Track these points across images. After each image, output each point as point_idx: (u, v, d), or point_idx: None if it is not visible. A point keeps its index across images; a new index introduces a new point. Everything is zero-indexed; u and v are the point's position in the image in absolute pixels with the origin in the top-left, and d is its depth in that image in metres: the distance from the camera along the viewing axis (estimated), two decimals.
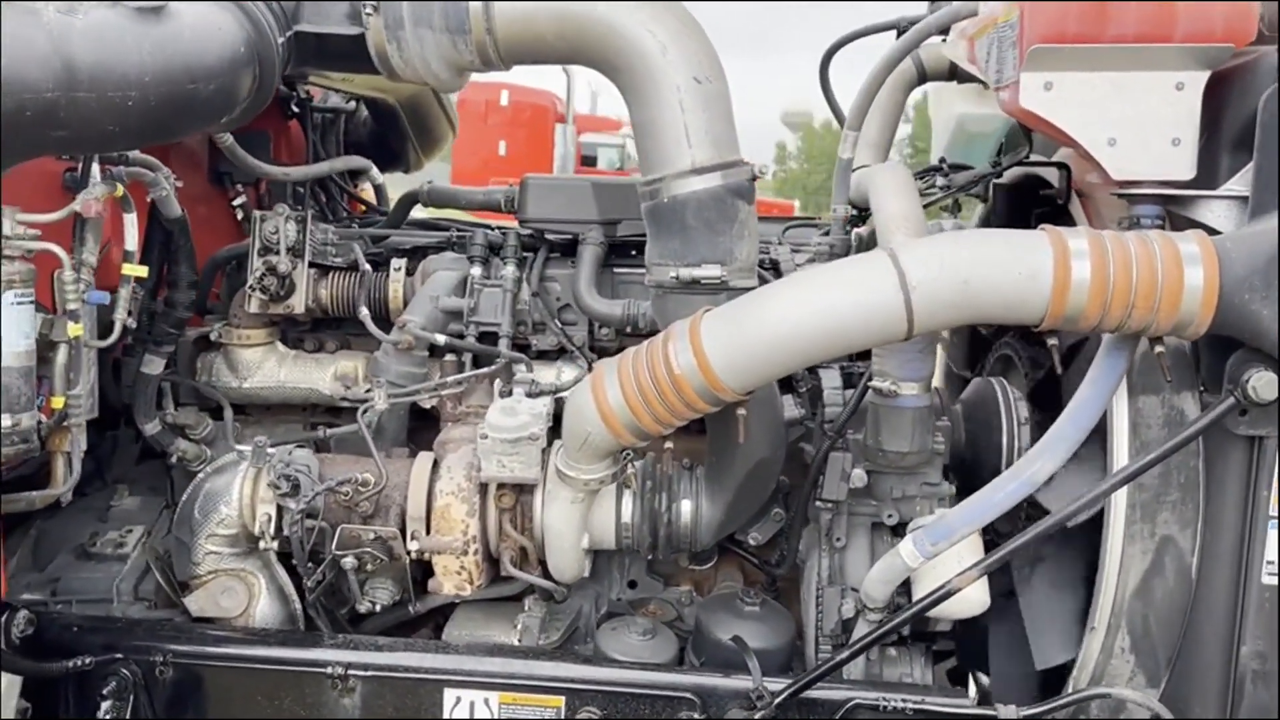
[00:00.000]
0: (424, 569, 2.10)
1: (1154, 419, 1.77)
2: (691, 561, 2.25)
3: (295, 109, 2.85)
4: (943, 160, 2.61)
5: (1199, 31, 1.60)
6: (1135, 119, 1.65)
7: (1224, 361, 1.65)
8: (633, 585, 2.27)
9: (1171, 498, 1.75)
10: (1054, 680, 2.00)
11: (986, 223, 2.55)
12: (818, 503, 2.01)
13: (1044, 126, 1.70)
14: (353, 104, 3.05)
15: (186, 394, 2.33)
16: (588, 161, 18.67)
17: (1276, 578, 1.69)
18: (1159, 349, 1.63)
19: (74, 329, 1.78)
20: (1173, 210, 1.71)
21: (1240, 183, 1.65)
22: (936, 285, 1.56)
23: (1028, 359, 2.35)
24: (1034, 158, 2.25)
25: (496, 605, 2.18)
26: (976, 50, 1.92)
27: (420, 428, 2.28)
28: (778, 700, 1.82)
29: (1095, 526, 1.82)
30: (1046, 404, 2.24)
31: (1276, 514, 1.68)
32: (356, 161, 2.71)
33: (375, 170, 2.81)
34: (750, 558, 2.21)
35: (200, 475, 2.11)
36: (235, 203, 2.70)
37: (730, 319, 1.67)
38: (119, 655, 1.92)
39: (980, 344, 2.68)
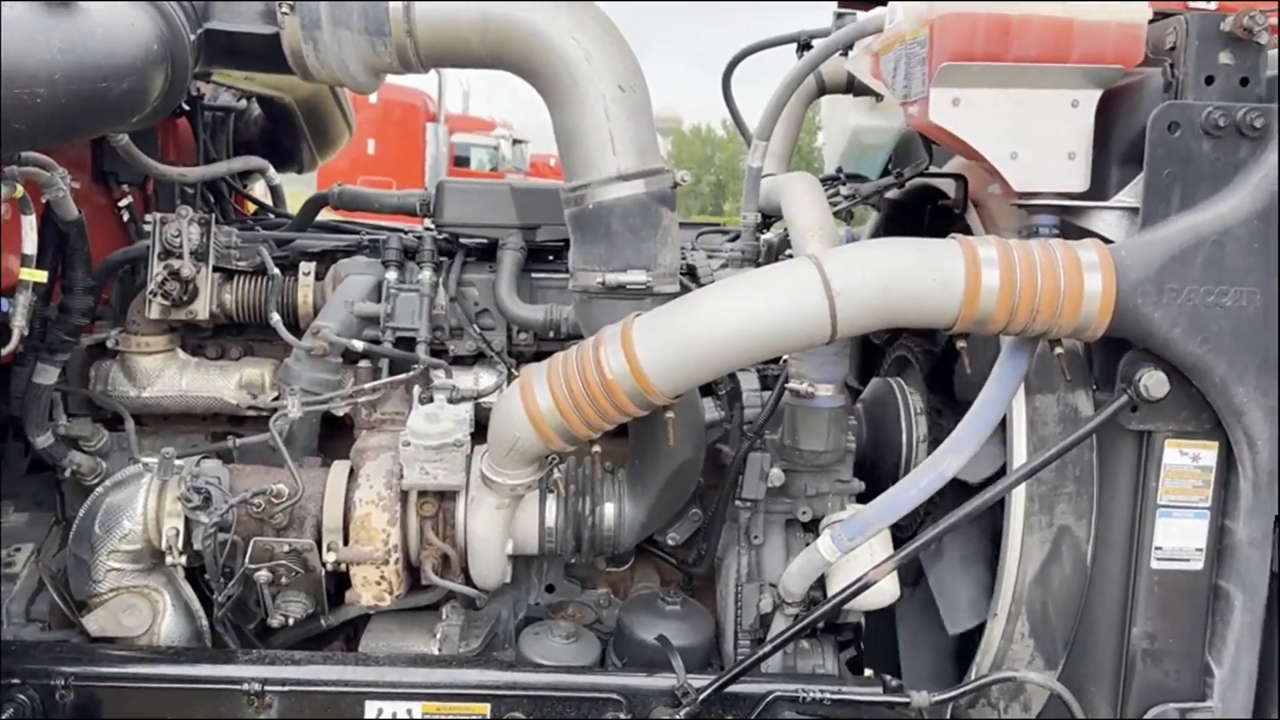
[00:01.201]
0: (338, 580, 2.06)
1: (1050, 416, 1.88)
2: (609, 564, 2.27)
3: (185, 106, 2.74)
4: (839, 170, 2.71)
5: (1093, 53, 1.72)
6: (1035, 134, 1.75)
7: (1116, 362, 1.78)
8: (550, 589, 2.28)
9: (1068, 490, 1.87)
10: (961, 663, 2.10)
11: (879, 232, 2.67)
12: (737, 502, 2.06)
13: (950, 140, 1.79)
14: (244, 102, 2.96)
15: (78, 405, 2.21)
16: (460, 162, 18.46)
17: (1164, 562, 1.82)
18: (1058, 350, 1.74)
19: None
20: (1067, 220, 1.82)
21: (1130, 194, 1.77)
22: (859, 291, 1.63)
23: (921, 353, 2.47)
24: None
25: (413, 615, 2.15)
26: (882, 65, 2.00)
27: (329, 436, 2.23)
28: (702, 697, 1.86)
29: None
30: (939, 387, 2.37)
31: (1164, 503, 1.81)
32: (255, 161, 2.62)
33: (273, 171, 2.73)
34: (668, 558, 2.25)
35: (100, 489, 2.02)
36: (121, 204, 2.58)
37: (661, 323, 1.70)
38: (15, 680, 1.82)
39: (870, 355, 2.80)
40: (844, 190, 2.39)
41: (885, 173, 2.78)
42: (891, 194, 2.59)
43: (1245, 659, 1.82)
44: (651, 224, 1.85)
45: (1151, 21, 1.76)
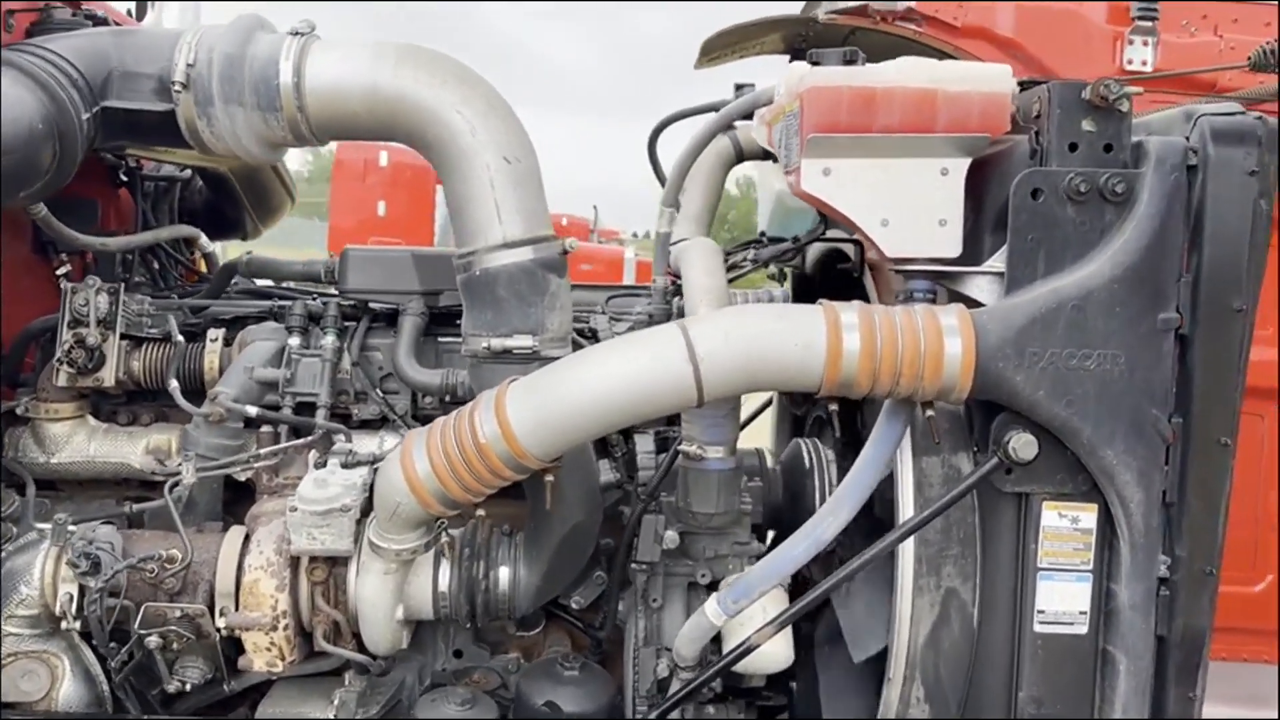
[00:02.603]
0: (238, 646, 2.06)
1: (935, 477, 1.88)
2: (518, 628, 2.27)
3: (124, 177, 2.82)
4: (762, 234, 2.75)
5: (957, 122, 1.75)
6: (905, 202, 1.78)
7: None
8: (459, 655, 2.28)
9: (953, 552, 1.87)
10: None
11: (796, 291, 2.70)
12: (633, 564, 2.07)
13: (824, 208, 1.83)
14: (187, 172, 3.03)
15: None
16: None
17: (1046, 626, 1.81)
18: (929, 413, 1.75)
19: None
20: (945, 285, 1.85)
21: (1000, 260, 1.79)
22: (722, 356, 1.65)
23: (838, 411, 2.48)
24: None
25: (315, 680, 2.15)
26: (774, 135, 2.05)
27: (236, 501, 2.25)
28: None
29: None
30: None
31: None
32: (184, 230, 2.68)
33: (205, 239, 2.78)
34: (574, 621, 2.24)
35: (1, 554, 2.04)
36: (59, 272, 2.64)
37: (533, 388, 1.72)
38: None
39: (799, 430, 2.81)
40: (750, 254, 2.42)
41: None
42: (811, 256, 2.64)
43: None
44: (538, 290, 1.89)
45: (1026, 89, 1.80)
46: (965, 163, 1.79)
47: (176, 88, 1.85)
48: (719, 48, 3.07)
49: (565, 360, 1.75)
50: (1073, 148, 1.74)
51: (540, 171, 1.96)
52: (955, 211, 1.79)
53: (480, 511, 1.89)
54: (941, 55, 2.69)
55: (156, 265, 2.95)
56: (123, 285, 2.23)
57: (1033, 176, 1.72)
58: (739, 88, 2.38)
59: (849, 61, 1.83)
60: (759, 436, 3.08)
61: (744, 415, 3.19)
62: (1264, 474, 2.78)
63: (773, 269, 3.03)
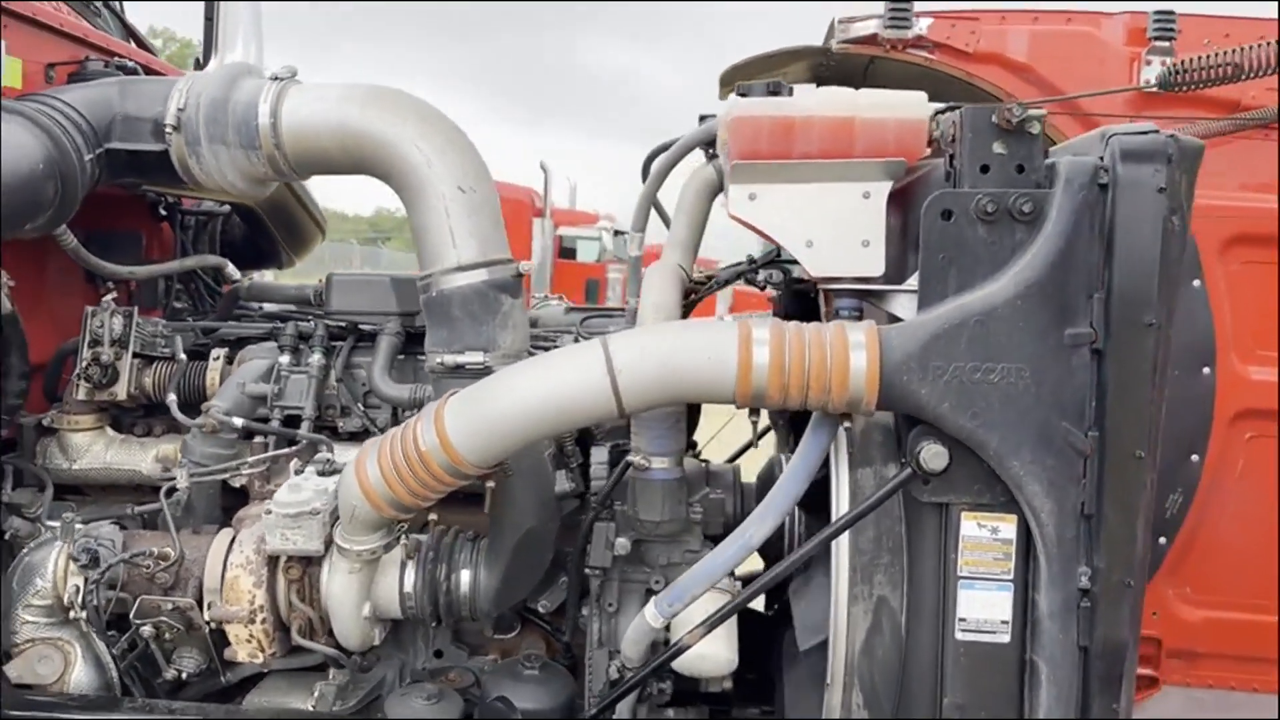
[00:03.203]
0: (227, 639, 2.23)
1: (868, 488, 1.94)
2: (495, 630, 2.40)
3: (164, 212, 3.08)
4: (749, 256, 2.84)
5: (874, 148, 1.84)
6: (828, 224, 1.87)
7: None
8: (439, 654, 2.41)
9: (884, 560, 1.92)
10: None
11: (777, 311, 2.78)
12: (587, 570, 2.18)
13: (754, 231, 1.92)
14: (225, 208, 3.28)
15: (31, 477, 2.49)
16: (566, 254, 19.01)
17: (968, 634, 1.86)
18: (846, 424, 1.83)
19: None
20: (871, 303, 1.92)
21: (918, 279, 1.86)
22: (638, 369, 1.76)
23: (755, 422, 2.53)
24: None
25: (302, 674, 2.31)
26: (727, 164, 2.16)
27: (240, 506, 2.43)
28: None
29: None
30: None
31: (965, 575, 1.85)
32: (209, 259, 2.92)
33: (231, 268, 3.01)
34: (543, 624, 2.36)
35: (25, 549, 2.26)
36: (105, 298, 2.90)
37: (468, 400, 1.86)
38: None
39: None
40: (720, 275, 2.52)
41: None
42: (797, 276, 2.72)
43: None
44: (490, 309, 2.03)
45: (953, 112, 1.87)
46: (886, 186, 1.86)
47: (168, 129, 2.06)
48: (736, 80, 3.18)
49: (499, 373, 1.88)
50: (984, 169, 1.80)
51: (496, 199, 2.11)
52: (877, 232, 1.86)
53: (432, 516, 2.02)
54: (955, 82, 2.74)
55: (198, 291, 3.21)
56: (135, 309, 2.45)
57: (943, 198, 1.79)
58: (702, 119, 2.49)
59: (773, 92, 1.93)
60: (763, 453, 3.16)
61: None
62: None
63: (771, 291, 3.12)
